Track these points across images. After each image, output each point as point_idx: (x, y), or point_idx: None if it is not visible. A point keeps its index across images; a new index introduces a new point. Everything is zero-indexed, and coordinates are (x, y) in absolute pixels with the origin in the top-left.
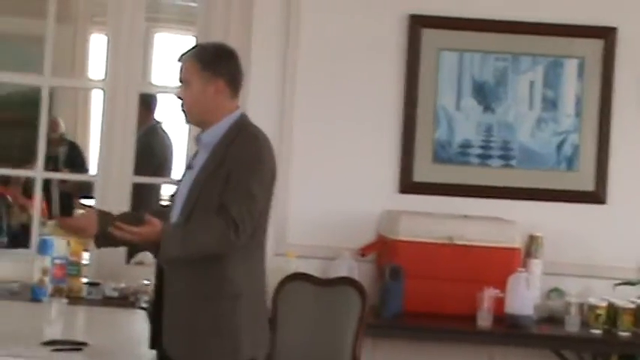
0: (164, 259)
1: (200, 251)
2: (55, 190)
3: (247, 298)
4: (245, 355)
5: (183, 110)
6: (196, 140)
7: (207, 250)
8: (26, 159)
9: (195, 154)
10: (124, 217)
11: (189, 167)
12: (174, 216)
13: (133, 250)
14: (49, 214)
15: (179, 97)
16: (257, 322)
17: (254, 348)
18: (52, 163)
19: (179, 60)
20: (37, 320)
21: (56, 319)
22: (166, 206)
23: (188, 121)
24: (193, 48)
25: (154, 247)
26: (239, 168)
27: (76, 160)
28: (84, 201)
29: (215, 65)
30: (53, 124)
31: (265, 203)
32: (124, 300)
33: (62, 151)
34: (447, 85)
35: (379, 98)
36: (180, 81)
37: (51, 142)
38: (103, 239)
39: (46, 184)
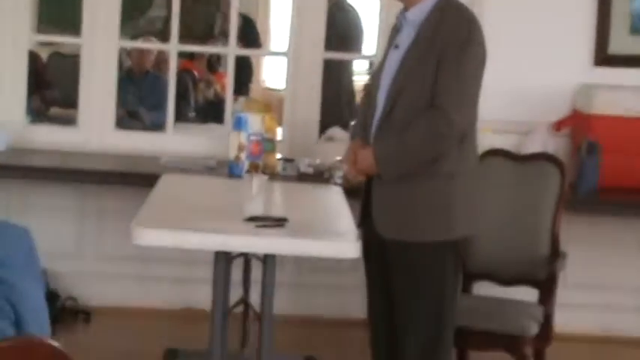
0: (388, 180)
1: (422, 160)
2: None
3: (461, 175)
4: (459, 233)
5: None
6: (399, 18)
7: (429, 156)
8: (207, 34)
9: (397, 33)
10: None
11: (394, 46)
12: (381, 95)
13: None
14: None
15: None
16: (471, 201)
17: (468, 226)
18: (224, 38)
19: None
20: (238, 196)
21: (257, 194)
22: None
23: None
24: None
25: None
26: (451, 50)
27: (249, 35)
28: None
29: None
30: None
31: (480, 82)
32: (319, 176)
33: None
34: None
35: None
36: None
37: (225, 17)
38: None
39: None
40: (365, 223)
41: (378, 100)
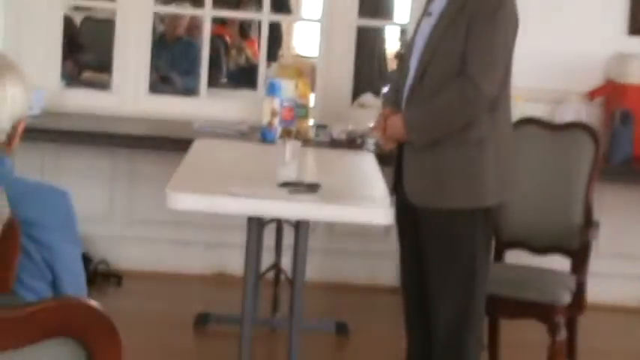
0: (419, 146)
1: (451, 126)
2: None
3: (493, 142)
4: (490, 201)
5: None
6: None
7: (457, 122)
8: (239, 0)
9: (431, 1)
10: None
11: (427, 14)
12: (413, 62)
13: None
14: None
15: None
16: (503, 167)
17: (499, 194)
18: (255, 4)
19: None
20: (271, 161)
21: (290, 160)
22: (400, 55)
23: None
24: None
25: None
26: (480, 17)
27: (280, 1)
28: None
29: None
30: None
31: (510, 49)
32: (352, 142)
33: None
34: None
35: None
36: None
37: None
38: None
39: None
40: (397, 190)
41: (411, 67)
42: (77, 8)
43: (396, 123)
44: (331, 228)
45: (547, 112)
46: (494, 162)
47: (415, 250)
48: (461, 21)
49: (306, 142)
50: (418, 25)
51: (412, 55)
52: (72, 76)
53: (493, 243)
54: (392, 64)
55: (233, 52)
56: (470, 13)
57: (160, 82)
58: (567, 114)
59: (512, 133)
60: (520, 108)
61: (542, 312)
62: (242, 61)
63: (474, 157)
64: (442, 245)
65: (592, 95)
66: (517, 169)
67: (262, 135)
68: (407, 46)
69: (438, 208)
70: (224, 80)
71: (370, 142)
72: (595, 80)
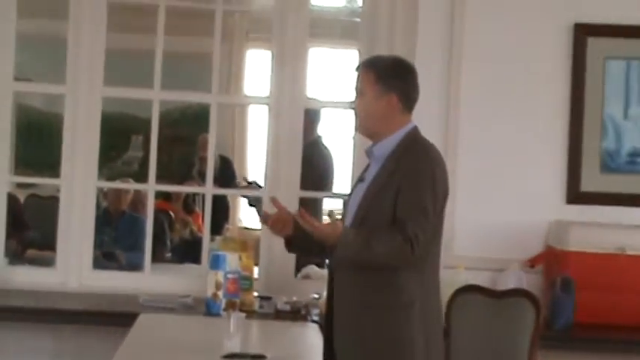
0: (337, 259)
1: (374, 260)
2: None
3: (421, 307)
4: None
5: (355, 120)
6: (367, 153)
7: (381, 261)
8: (184, 175)
9: (367, 168)
10: None
11: (360, 180)
12: (347, 224)
13: (308, 256)
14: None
15: (352, 107)
16: (431, 333)
17: (429, 357)
18: (200, 179)
19: (356, 69)
20: (216, 334)
21: (234, 332)
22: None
23: (359, 131)
24: (371, 58)
25: (330, 248)
26: (411, 183)
27: (227, 175)
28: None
29: (389, 79)
30: (203, 141)
31: (438, 217)
32: (296, 314)
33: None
34: (613, 94)
35: (545, 108)
36: (355, 90)
37: (202, 159)
38: (294, 243)
39: (196, 198)
40: (329, 355)
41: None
42: (21, 185)
43: (338, 228)
44: None
45: (489, 280)
46: (421, 326)
47: None
48: (391, 185)
49: (250, 313)
50: (352, 190)
51: (346, 217)
52: (16, 254)
53: None
54: None
55: (177, 226)
56: (400, 177)
57: (103, 259)
58: (509, 281)
59: (439, 299)
60: (463, 276)
61: None
62: (187, 235)
63: (402, 321)
64: None
65: (532, 263)
66: (460, 336)
67: (207, 308)
68: (342, 213)
69: None
70: (168, 255)
71: (314, 313)
72: (535, 248)
